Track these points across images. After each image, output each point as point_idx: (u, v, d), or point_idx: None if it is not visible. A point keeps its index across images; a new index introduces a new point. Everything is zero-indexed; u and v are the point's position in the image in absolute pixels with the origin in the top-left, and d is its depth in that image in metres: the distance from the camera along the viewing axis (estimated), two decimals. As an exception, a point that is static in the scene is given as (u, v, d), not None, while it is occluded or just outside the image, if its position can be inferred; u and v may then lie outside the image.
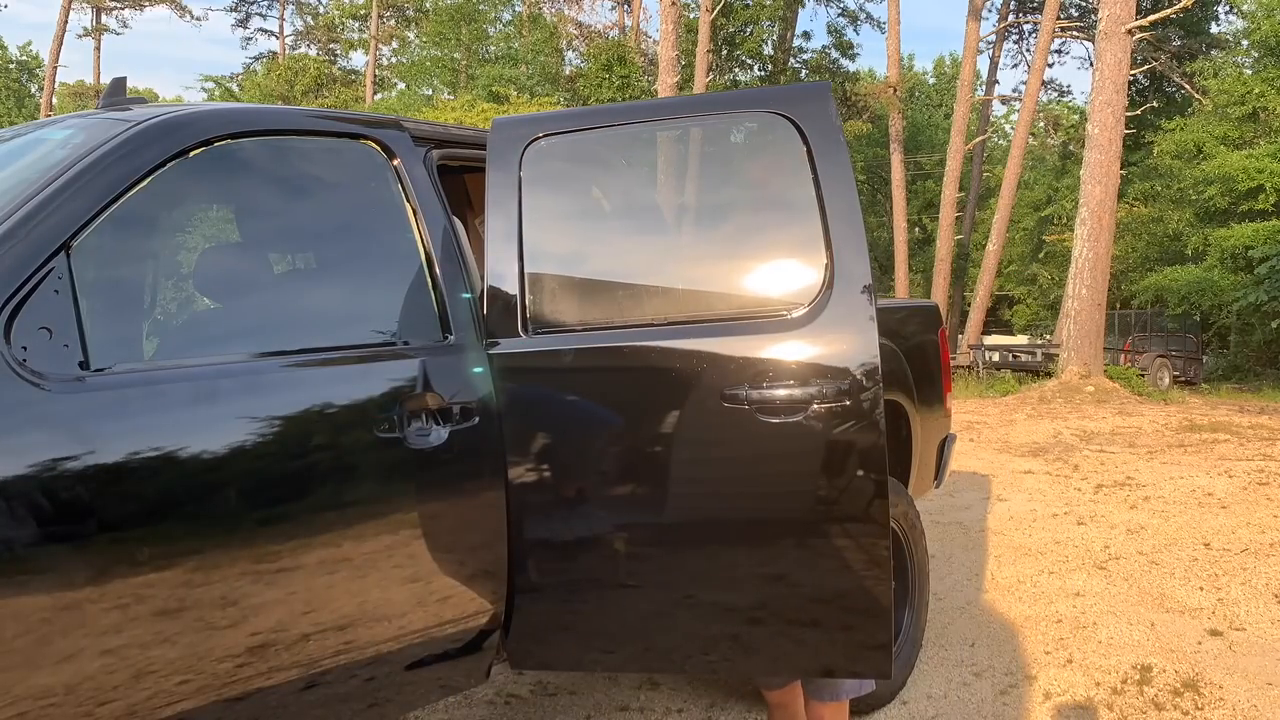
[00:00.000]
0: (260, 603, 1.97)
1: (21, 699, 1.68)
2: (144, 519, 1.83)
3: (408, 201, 2.46)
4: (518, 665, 2.53)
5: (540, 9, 35.99)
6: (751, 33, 33.90)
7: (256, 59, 44.88)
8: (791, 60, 35.18)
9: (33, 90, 42.41)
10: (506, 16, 37.82)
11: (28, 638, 1.67)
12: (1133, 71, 18.61)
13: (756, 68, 35.20)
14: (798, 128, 2.37)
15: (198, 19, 58.53)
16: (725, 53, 33.66)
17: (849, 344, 2.27)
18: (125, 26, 40.35)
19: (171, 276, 2.54)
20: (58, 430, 1.74)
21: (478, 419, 2.33)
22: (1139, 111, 23.68)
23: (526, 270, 2.43)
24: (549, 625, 2.45)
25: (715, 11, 24.72)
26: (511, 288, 2.42)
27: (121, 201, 1.97)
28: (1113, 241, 16.19)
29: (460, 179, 3.57)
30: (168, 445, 1.87)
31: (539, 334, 2.41)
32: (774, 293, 2.39)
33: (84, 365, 1.82)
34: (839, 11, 34.47)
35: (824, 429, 2.27)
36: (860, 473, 2.27)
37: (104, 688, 1.78)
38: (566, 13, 35.06)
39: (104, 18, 38.40)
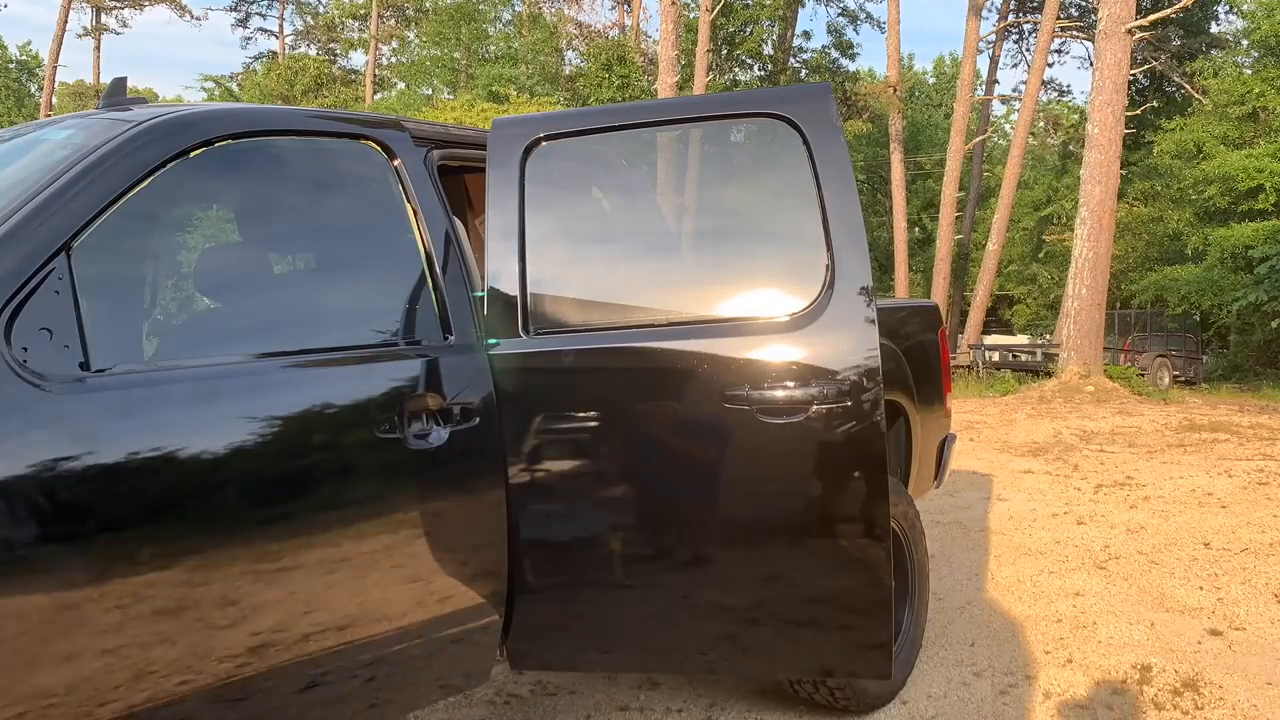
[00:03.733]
0: (260, 602, 1.98)
1: (22, 699, 1.68)
2: (144, 519, 1.83)
3: (408, 202, 2.46)
4: (517, 665, 2.54)
5: (540, 9, 35.97)
6: (751, 32, 33.89)
7: (256, 59, 44.86)
8: (791, 60, 35.17)
9: (32, 90, 42.37)
10: (506, 16, 37.83)
11: (28, 637, 1.68)
12: (1133, 71, 18.59)
13: (756, 67, 35.19)
14: (798, 129, 2.37)
15: (197, 19, 58.50)
16: (725, 52, 33.65)
17: (849, 345, 2.27)
18: (125, 26, 40.32)
19: (172, 277, 2.55)
20: (58, 431, 1.74)
21: (478, 419, 2.33)
22: (1139, 111, 23.67)
23: (528, 271, 2.43)
24: (548, 625, 2.45)
25: (715, 11, 24.71)
26: (512, 288, 2.42)
27: (122, 202, 1.97)
28: (1113, 241, 16.18)
29: (460, 179, 3.57)
30: (168, 445, 1.87)
31: (540, 334, 2.41)
32: (774, 294, 2.39)
33: (84, 366, 1.82)
34: (839, 11, 34.48)
35: (824, 430, 2.27)
36: (860, 473, 2.27)
37: (104, 688, 1.78)
38: (566, 12, 35.05)
39: (104, 17, 38.38)
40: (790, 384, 2.28)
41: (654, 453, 2.34)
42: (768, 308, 2.37)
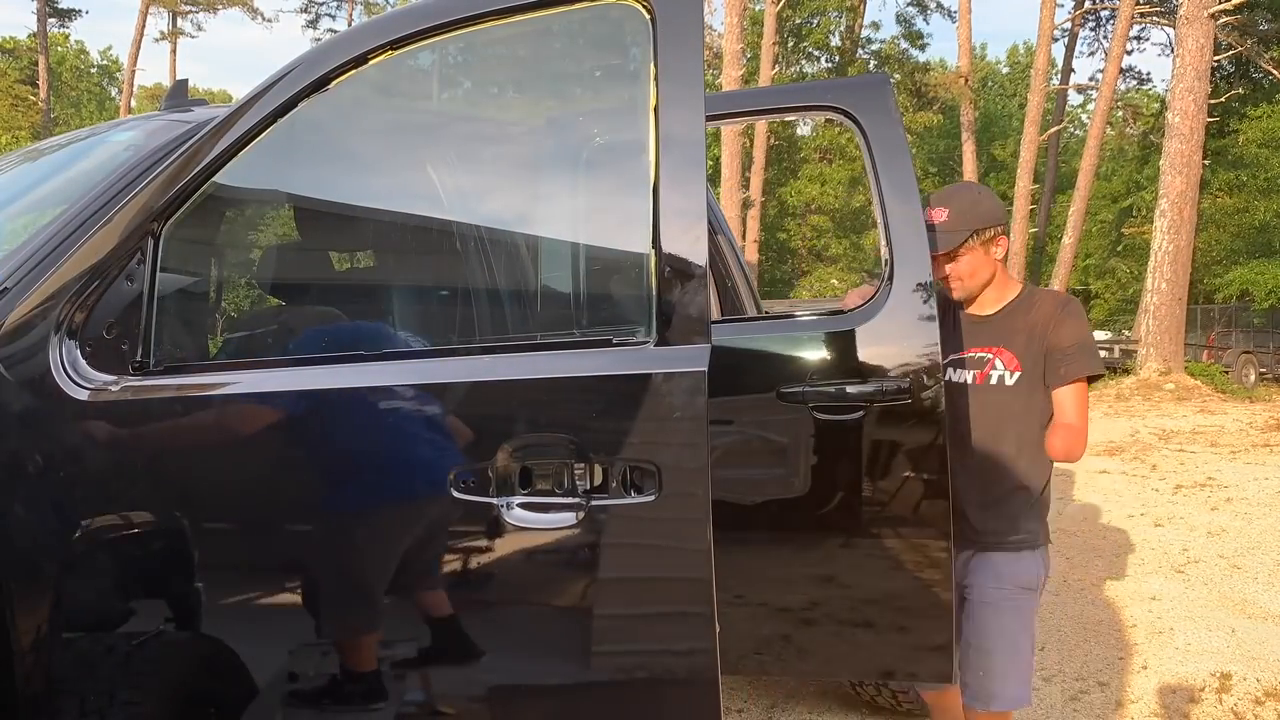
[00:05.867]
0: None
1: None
2: (205, 515, 1.85)
3: None
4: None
5: (606, 5, 35.97)
6: (818, 24, 33.54)
7: (327, 60, 45.59)
8: (860, 51, 34.71)
9: (113, 94, 43.76)
10: (572, 13, 37.92)
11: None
12: (1216, 57, 17.95)
13: (823, 59, 34.82)
14: (856, 121, 2.32)
15: (269, 20, 59.80)
16: (791, 45, 33.34)
17: (909, 341, 2.21)
18: (200, 30, 41.27)
19: (236, 276, 2.59)
20: (121, 426, 1.77)
21: None
22: (1223, 99, 22.85)
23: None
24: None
25: (781, 3, 24.49)
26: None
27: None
28: (1194, 234, 15.67)
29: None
30: (230, 443, 1.88)
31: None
32: (832, 288, 2.35)
33: (146, 364, 1.84)
34: (909, 0, 33.93)
35: (882, 427, 2.22)
36: (919, 472, 2.21)
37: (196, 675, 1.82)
38: (632, 8, 35.00)
39: (179, 22, 39.44)
40: (848, 380, 2.23)
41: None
42: (825, 302, 2.33)
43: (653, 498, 1.58)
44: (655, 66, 1.64)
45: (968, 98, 26.44)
